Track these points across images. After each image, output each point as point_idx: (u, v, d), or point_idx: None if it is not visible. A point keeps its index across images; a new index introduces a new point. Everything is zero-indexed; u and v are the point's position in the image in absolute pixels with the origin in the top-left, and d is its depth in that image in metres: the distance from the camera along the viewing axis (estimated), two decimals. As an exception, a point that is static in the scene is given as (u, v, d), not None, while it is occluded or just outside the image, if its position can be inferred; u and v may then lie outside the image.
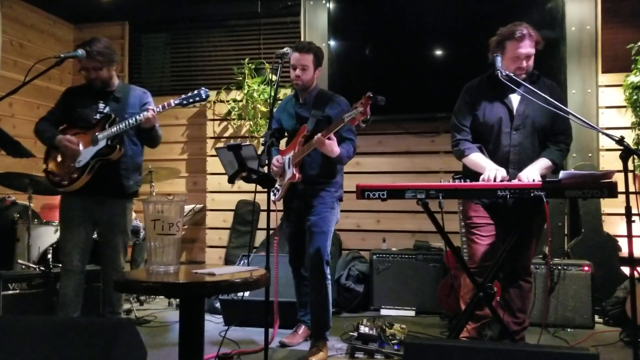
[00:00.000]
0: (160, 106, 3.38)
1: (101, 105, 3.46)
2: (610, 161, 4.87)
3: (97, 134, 3.36)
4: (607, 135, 2.61)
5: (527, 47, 2.98)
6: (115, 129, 3.34)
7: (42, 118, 3.51)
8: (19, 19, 5.68)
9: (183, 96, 3.39)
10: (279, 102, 3.92)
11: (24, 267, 4.29)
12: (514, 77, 2.92)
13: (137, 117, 3.31)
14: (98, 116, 3.43)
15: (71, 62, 5.92)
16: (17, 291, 3.80)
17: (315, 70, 3.49)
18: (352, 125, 3.31)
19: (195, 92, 3.40)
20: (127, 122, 3.32)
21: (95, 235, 3.61)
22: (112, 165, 3.40)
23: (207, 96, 3.42)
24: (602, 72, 5.02)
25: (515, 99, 3.08)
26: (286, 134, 3.71)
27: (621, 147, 2.50)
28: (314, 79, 3.51)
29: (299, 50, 3.42)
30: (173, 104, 3.35)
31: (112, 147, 3.36)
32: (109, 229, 3.45)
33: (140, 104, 3.52)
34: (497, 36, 3.08)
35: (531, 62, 3.03)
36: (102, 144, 3.35)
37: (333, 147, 3.22)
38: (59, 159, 3.42)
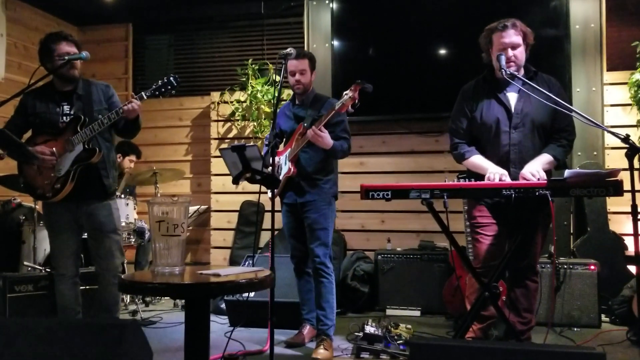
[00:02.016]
0: (137, 97, 3.23)
1: (66, 108, 3.31)
2: (615, 159, 4.85)
3: (70, 138, 3.23)
4: (613, 133, 2.60)
5: (511, 37, 2.97)
6: (89, 131, 3.21)
7: (2, 129, 3.30)
8: (24, 22, 5.70)
9: (154, 86, 3.27)
10: (283, 102, 3.96)
11: (29, 269, 4.31)
12: (516, 75, 2.92)
13: (118, 110, 3.18)
14: (65, 119, 3.29)
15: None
16: (23, 293, 3.82)
17: (312, 73, 3.66)
18: (346, 125, 3.55)
19: (165, 80, 3.27)
20: (100, 122, 3.19)
21: (85, 235, 3.48)
22: (91, 167, 3.28)
23: (178, 82, 3.29)
24: (607, 70, 5.00)
25: (512, 97, 3.06)
26: (284, 137, 3.80)
27: (627, 145, 2.49)
28: (311, 81, 3.68)
29: (296, 57, 3.54)
30: (145, 97, 3.23)
31: (90, 150, 3.24)
32: (99, 232, 3.33)
33: (107, 99, 3.41)
34: (485, 32, 3.10)
35: (519, 52, 2.98)
36: (79, 148, 3.23)
37: (326, 139, 3.37)
38: (36, 170, 3.28)
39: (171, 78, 3.29)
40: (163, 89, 3.28)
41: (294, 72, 3.57)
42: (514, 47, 2.97)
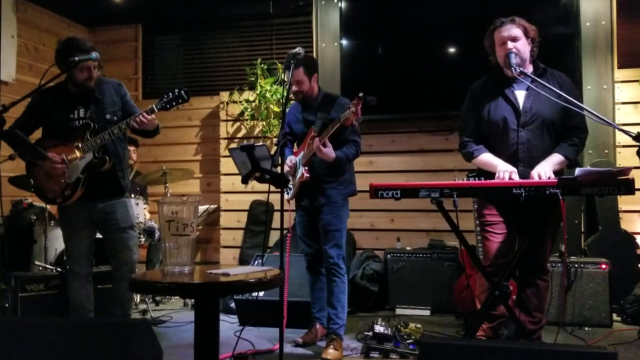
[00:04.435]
0: (147, 110, 3.23)
1: (81, 111, 3.32)
2: (627, 157, 4.81)
3: (80, 145, 3.25)
4: (624, 131, 2.58)
5: (509, 30, 2.96)
6: (99, 139, 3.22)
7: (12, 127, 3.27)
8: (34, 23, 5.74)
9: (165, 99, 3.26)
10: (291, 102, 3.96)
11: (40, 268, 4.34)
12: (527, 73, 2.90)
13: (129, 121, 3.20)
14: (78, 123, 3.30)
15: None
16: (35, 292, 3.85)
17: (311, 79, 3.62)
18: (354, 127, 3.52)
19: (176, 93, 3.26)
20: (110, 132, 3.20)
21: (99, 235, 3.52)
22: (106, 170, 3.31)
23: (189, 96, 3.28)
24: (618, 67, 4.97)
25: (520, 95, 3.03)
26: (296, 138, 3.80)
27: (638, 144, 2.47)
28: (313, 86, 3.64)
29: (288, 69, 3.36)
30: (156, 109, 3.23)
31: (101, 159, 3.27)
32: (116, 228, 3.36)
33: (120, 98, 3.41)
34: (487, 34, 3.10)
35: (520, 45, 2.95)
36: (89, 156, 3.26)
37: (328, 153, 3.37)
38: (47, 174, 3.30)
39: (182, 92, 3.26)
40: (174, 102, 3.27)
41: (291, 84, 3.52)
42: (514, 39, 2.95)
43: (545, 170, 2.81)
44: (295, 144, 3.82)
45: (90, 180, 3.29)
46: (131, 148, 5.19)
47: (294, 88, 3.58)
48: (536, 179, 2.77)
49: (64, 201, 3.29)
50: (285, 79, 3.18)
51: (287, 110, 3.81)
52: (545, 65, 3.08)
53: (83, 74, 3.26)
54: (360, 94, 3.12)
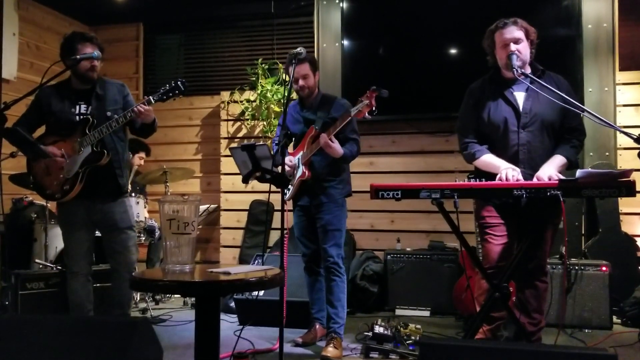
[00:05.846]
0: (145, 102, 3.25)
1: (83, 107, 3.34)
2: (628, 160, 4.81)
3: (79, 140, 3.26)
4: (625, 133, 2.58)
5: (512, 32, 2.95)
6: (97, 133, 3.23)
7: (16, 124, 3.32)
8: (36, 21, 5.74)
9: (162, 90, 3.27)
10: (292, 100, 3.96)
11: (41, 266, 4.33)
12: (528, 75, 2.89)
13: (127, 114, 3.21)
14: (78, 119, 3.32)
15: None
16: (35, 290, 3.84)
17: (315, 75, 3.66)
18: (354, 125, 3.57)
19: (173, 84, 3.27)
20: (108, 125, 3.22)
21: (98, 233, 3.52)
22: (105, 167, 3.31)
23: (186, 86, 3.29)
24: (620, 69, 4.96)
25: (520, 96, 3.02)
26: (294, 139, 3.77)
27: (639, 146, 2.47)
28: (315, 83, 3.68)
29: (295, 64, 3.43)
30: (153, 101, 3.25)
31: (99, 153, 3.27)
32: (115, 228, 3.36)
33: (122, 97, 3.44)
34: (487, 34, 3.09)
35: (522, 47, 2.95)
36: (87, 150, 3.26)
37: (336, 149, 3.40)
38: (45, 170, 3.32)
39: (179, 82, 3.28)
40: (170, 93, 3.28)
41: (297, 79, 3.56)
42: (517, 41, 2.95)
43: (552, 172, 2.81)
44: (290, 146, 3.80)
45: (88, 178, 3.29)
46: (143, 155, 5.23)
47: (300, 83, 3.58)
48: (545, 180, 2.77)
49: (62, 196, 3.29)
50: (287, 79, 3.19)
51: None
52: (546, 67, 3.08)
53: (86, 64, 3.29)
54: (374, 87, 3.18)
